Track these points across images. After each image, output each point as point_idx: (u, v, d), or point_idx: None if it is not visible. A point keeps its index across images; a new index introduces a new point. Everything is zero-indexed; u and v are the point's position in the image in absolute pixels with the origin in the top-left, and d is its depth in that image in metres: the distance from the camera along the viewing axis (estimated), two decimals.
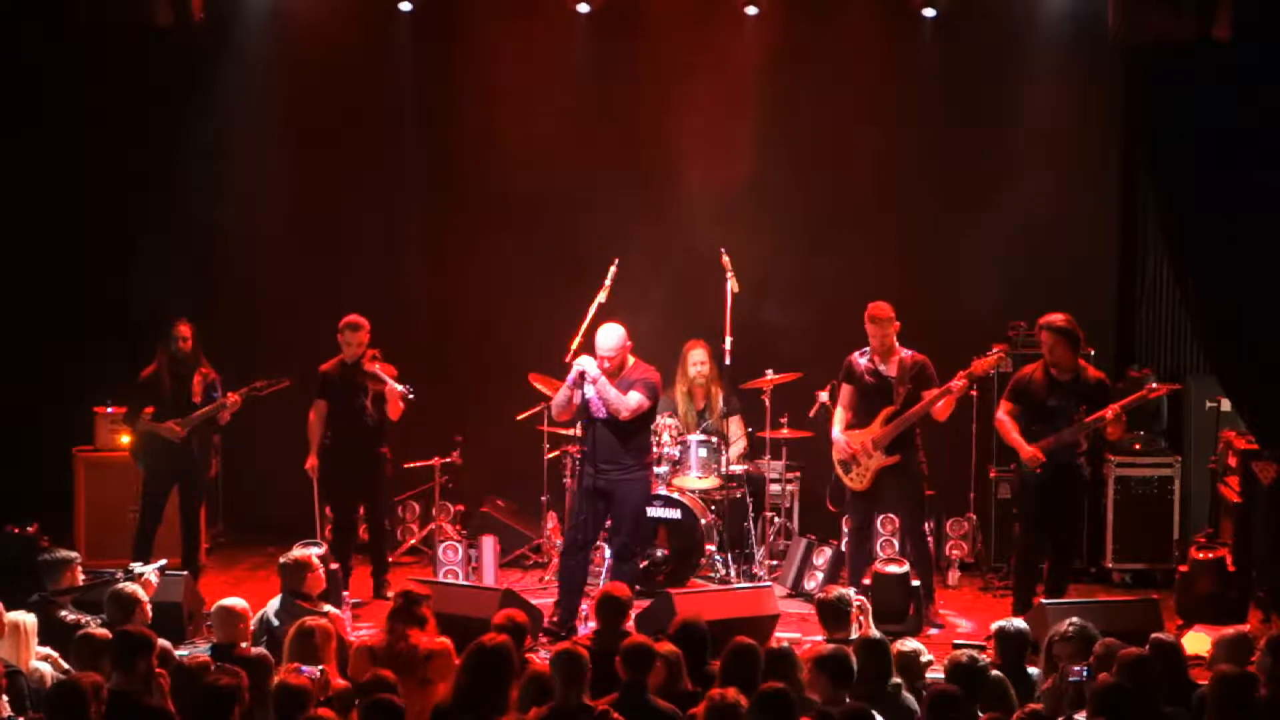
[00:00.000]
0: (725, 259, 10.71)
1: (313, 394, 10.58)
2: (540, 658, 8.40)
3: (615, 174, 12.16)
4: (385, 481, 10.83)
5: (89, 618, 8.46)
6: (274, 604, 8.46)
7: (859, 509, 10.27)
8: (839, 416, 10.23)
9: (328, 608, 8.52)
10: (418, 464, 11.51)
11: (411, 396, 10.36)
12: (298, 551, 8.85)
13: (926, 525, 10.45)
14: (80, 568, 8.99)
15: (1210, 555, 10.03)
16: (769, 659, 6.94)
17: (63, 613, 8.38)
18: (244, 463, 12.18)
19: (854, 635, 7.62)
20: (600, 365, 9.56)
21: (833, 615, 7.81)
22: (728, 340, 10.60)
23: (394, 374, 10.46)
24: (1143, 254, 11.98)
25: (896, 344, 10.03)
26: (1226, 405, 11.00)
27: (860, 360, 10.11)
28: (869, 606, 8.48)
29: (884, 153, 12.00)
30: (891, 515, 10.65)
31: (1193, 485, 11.32)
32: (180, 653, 7.66)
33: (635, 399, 9.55)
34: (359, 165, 12.33)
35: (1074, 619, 7.38)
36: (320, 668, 7.07)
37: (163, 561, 9.25)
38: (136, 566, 8.90)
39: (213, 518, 11.83)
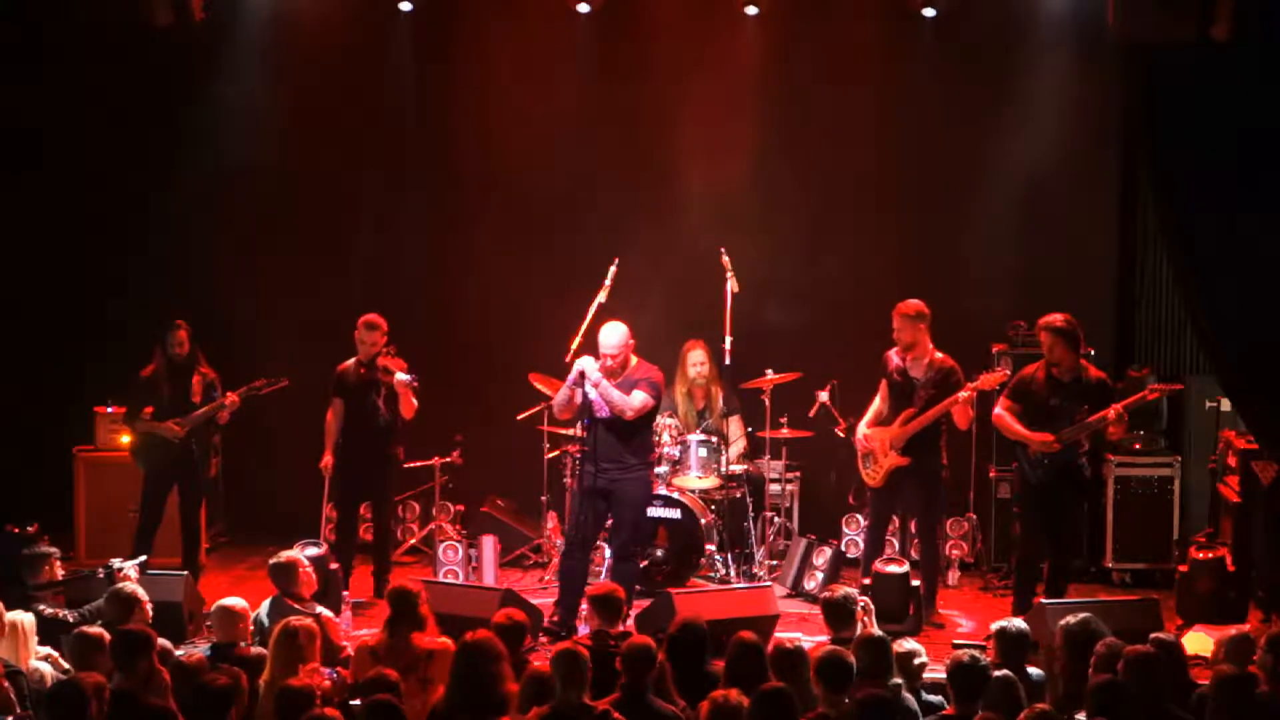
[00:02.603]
0: (725, 259, 10.71)
1: (329, 392, 10.54)
2: (540, 658, 8.41)
3: (615, 174, 12.17)
4: (393, 482, 10.82)
5: (65, 612, 8.54)
6: (266, 605, 8.47)
7: (876, 507, 10.31)
8: (871, 409, 10.23)
9: (320, 609, 8.54)
10: (418, 464, 11.50)
11: (415, 385, 10.35)
12: (287, 552, 8.87)
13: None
14: (59, 562, 9.05)
15: (1210, 555, 10.03)
16: (778, 658, 6.95)
17: (40, 607, 8.42)
18: (244, 463, 12.17)
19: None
20: (603, 364, 9.55)
21: (838, 614, 7.81)
22: (728, 340, 10.60)
23: (404, 368, 10.46)
24: (1143, 254, 11.98)
25: (930, 346, 10.00)
26: (1226, 405, 11.01)
27: (894, 358, 10.12)
28: (872, 606, 8.47)
29: (884, 153, 12.00)
30: (893, 515, 10.66)
31: (1192, 485, 11.32)
32: (178, 653, 7.65)
33: (639, 398, 9.54)
34: (359, 165, 12.33)
35: (1087, 614, 7.39)
36: (336, 671, 7.10)
37: (143, 558, 9.31)
38: (116, 562, 8.97)
39: (213, 518, 11.82)
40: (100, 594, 8.80)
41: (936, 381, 9.93)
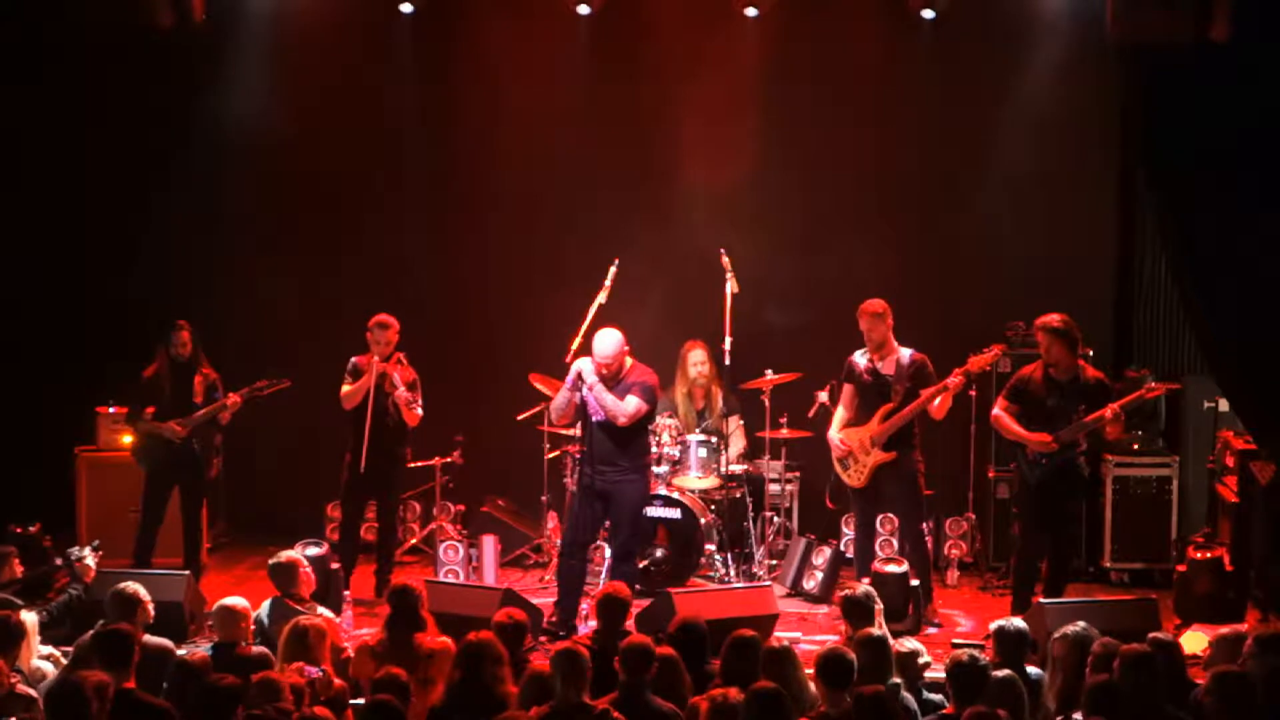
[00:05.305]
0: (725, 259, 10.72)
1: (346, 381, 10.47)
2: (540, 658, 8.42)
3: (615, 174, 12.18)
4: (400, 482, 10.84)
5: (34, 611, 8.61)
6: (266, 605, 8.49)
7: (861, 507, 10.32)
8: (837, 416, 10.28)
9: (320, 609, 8.55)
10: (418, 464, 11.51)
11: (419, 411, 10.38)
12: (287, 552, 8.88)
13: (925, 525, 10.47)
14: (18, 560, 9.11)
15: (1208, 555, 10.04)
16: (765, 657, 6.96)
17: None
18: (244, 463, 12.18)
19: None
20: (598, 371, 9.55)
21: (859, 612, 7.83)
22: (727, 340, 10.61)
23: (411, 378, 10.47)
24: (1140, 254, 12.00)
25: (894, 343, 10.06)
26: (1224, 405, 11.04)
27: (860, 360, 10.15)
28: (880, 606, 8.49)
29: (884, 153, 12.02)
30: (890, 515, 10.68)
31: (1190, 485, 11.34)
32: (180, 652, 7.68)
33: (633, 404, 9.55)
34: (359, 166, 12.33)
35: (1081, 622, 7.37)
36: (321, 668, 7.11)
37: (96, 542, 9.38)
38: (75, 551, 9.07)
39: (214, 517, 11.84)
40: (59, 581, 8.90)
41: (911, 375, 9.96)
